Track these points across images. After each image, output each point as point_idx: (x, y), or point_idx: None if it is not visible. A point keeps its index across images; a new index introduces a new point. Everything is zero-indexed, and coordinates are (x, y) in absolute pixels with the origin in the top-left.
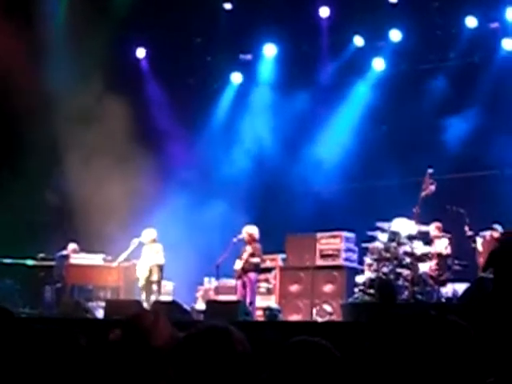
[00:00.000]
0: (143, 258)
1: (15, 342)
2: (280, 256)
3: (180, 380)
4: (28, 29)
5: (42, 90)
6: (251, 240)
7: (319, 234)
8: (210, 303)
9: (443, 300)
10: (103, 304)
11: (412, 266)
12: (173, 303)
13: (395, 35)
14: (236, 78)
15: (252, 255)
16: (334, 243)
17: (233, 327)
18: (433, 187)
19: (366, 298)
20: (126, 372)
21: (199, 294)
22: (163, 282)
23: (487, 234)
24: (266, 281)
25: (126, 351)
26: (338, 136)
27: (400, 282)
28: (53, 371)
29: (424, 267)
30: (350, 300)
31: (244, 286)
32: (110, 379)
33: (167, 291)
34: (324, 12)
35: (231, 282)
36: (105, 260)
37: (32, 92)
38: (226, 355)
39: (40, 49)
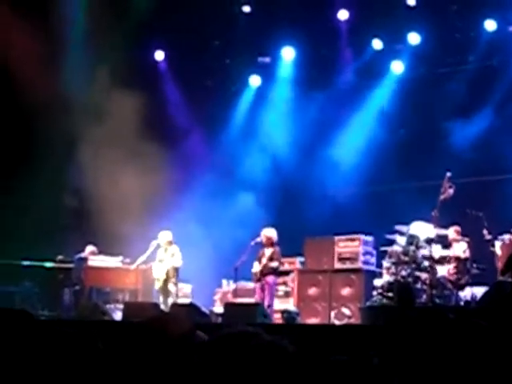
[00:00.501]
0: (160, 260)
1: (35, 345)
2: (298, 259)
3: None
4: (47, 29)
5: (59, 91)
6: (270, 243)
7: (337, 238)
8: (228, 306)
9: (462, 304)
10: (121, 306)
11: (430, 270)
12: (191, 306)
13: (414, 38)
14: (254, 80)
15: (271, 258)
16: (352, 246)
17: (262, 332)
18: (451, 191)
19: (385, 301)
20: (144, 374)
21: (217, 297)
22: (181, 285)
23: (506, 237)
24: (285, 284)
25: (144, 353)
26: (356, 139)
27: (418, 286)
28: (71, 374)
29: (442, 271)
30: (369, 303)
31: (262, 288)
32: (128, 382)
33: (185, 294)
34: (343, 15)
35: (249, 284)
36: (123, 262)
37: (49, 92)
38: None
39: (58, 49)
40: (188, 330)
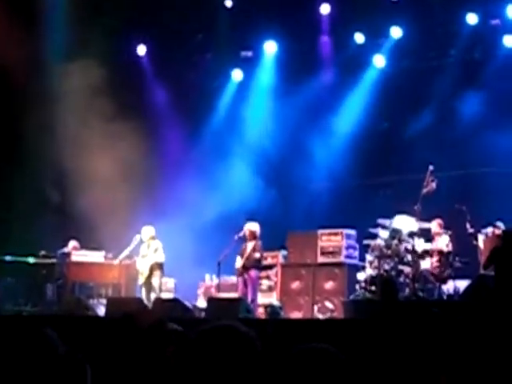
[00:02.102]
0: (143, 256)
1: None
2: (281, 253)
3: (191, 377)
4: (29, 27)
5: (41, 86)
6: (252, 237)
7: (320, 231)
8: (211, 300)
9: (444, 297)
10: (104, 301)
11: (413, 263)
12: (174, 300)
13: (396, 32)
14: (237, 74)
15: (253, 251)
16: (335, 240)
17: (241, 325)
18: (434, 184)
19: (368, 295)
20: (127, 366)
21: (200, 291)
22: (164, 279)
23: (489, 231)
24: (268, 278)
25: (126, 347)
26: (339, 133)
27: (401, 279)
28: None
29: (425, 264)
30: (352, 297)
31: (245, 283)
32: (113, 373)
33: (168, 288)
34: (325, 9)
35: (232, 279)
36: (106, 257)
37: (31, 88)
38: (240, 353)
39: (39, 42)
40: (156, 322)
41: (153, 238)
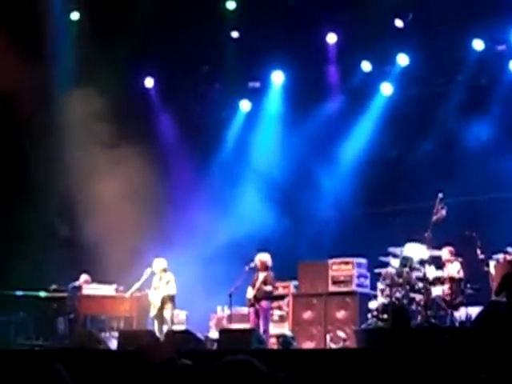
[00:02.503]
0: (155, 288)
1: None
2: (292, 283)
3: None
4: (37, 62)
5: (47, 116)
6: (263, 267)
7: (331, 261)
8: (223, 332)
9: (457, 324)
10: (116, 334)
11: (425, 291)
12: (186, 332)
13: (403, 60)
14: (245, 105)
15: (264, 283)
16: (346, 269)
17: (255, 360)
18: (444, 212)
19: (380, 323)
20: None
21: (212, 323)
22: (176, 311)
23: (500, 257)
24: (279, 308)
25: (138, 381)
26: (347, 161)
27: (413, 307)
28: None
29: (437, 291)
30: (364, 326)
31: (257, 313)
32: None
33: (180, 320)
34: (331, 38)
35: (244, 310)
36: (117, 290)
37: (38, 119)
38: None
39: (49, 79)
40: (168, 357)
41: (165, 270)
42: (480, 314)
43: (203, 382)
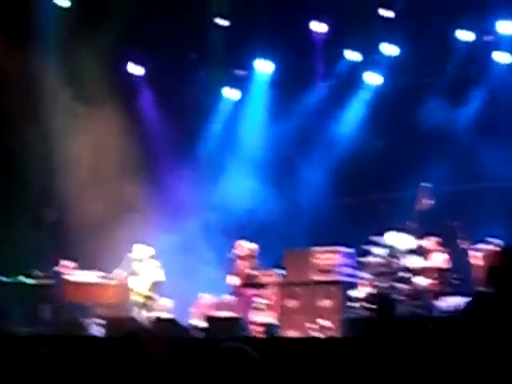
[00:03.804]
0: (142, 275)
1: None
2: (277, 271)
3: None
4: (22, 47)
5: (33, 102)
6: (248, 255)
7: (316, 249)
8: (210, 320)
9: (441, 314)
10: (101, 321)
11: (409, 281)
12: (172, 321)
13: (390, 49)
14: (231, 93)
15: (247, 270)
16: (331, 258)
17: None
18: (429, 201)
19: (365, 312)
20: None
21: (195, 310)
22: (162, 299)
23: (483, 247)
24: (264, 296)
25: (125, 367)
26: (334, 151)
27: (397, 297)
28: None
29: (421, 281)
30: (349, 315)
31: (240, 301)
32: None
33: (166, 308)
34: (319, 27)
35: (228, 298)
36: (102, 277)
37: (23, 104)
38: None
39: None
40: (164, 349)
41: (150, 257)
42: (465, 305)
43: (201, 368)
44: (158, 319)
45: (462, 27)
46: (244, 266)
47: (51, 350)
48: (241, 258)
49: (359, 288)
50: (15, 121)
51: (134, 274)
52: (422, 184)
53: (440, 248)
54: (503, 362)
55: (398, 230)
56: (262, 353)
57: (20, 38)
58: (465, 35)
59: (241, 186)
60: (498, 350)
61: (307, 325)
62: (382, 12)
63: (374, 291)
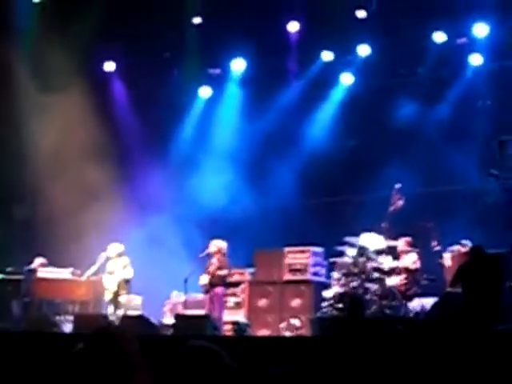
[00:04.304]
0: (110, 272)
1: None
2: (248, 270)
3: None
4: None
5: (6, 95)
6: (218, 253)
7: (287, 249)
8: (178, 317)
9: (411, 315)
10: (71, 318)
11: (380, 281)
12: (141, 317)
13: (364, 50)
14: (204, 92)
15: (219, 268)
16: (302, 258)
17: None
18: (401, 202)
19: (335, 312)
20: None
21: (167, 308)
22: (131, 296)
23: (455, 248)
24: (234, 295)
25: (92, 363)
26: (306, 151)
27: (368, 297)
28: None
29: (392, 282)
30: (319, 314)
31: (212, 300)
32: None
33: (135, 305)
34: (293, 27)
35: (199, 296)
36: (73, 274)
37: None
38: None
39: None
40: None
41: (120, 254)
42: (434, 306)
43: (168, 366)
44: (127, 316)
45: (435, 29)
46: (214, 265)
47: (19, 345)
48: (212, 256)
49: (331, 288)
50: None
51: (107, 272)
52: (397, 185)
53: (411, 249)
54: (470, 361)
55: (371, 230)
56: (230, 352)
57: None
58: (438, 37)
59: (213, 184)
60: (465, 349)
61: (277, 324)
62: (356, 12)
63: (344, 291)
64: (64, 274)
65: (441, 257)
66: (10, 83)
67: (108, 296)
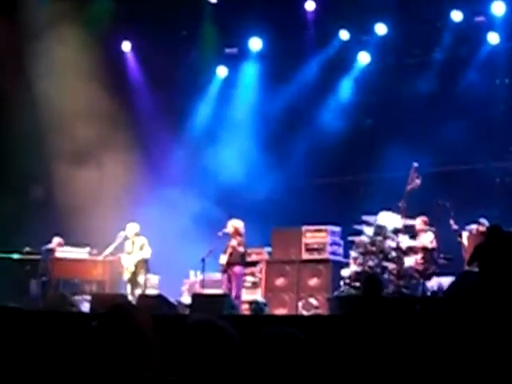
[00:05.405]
0: (128, 253)
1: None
2: (266, 249)
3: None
4: (12, 21)
5: (24, 84)
6: (236, 233)
7: (305, 228)
8: (195, 297)
9: (428, 294)
10: (89, 298)
11: (397, 260)
12: (159, 297)
13: (381, 29)
14: (221, 71)
15: (237, 248)
16: (319, 237)
17: (221, 321)
18: (418, 181)
19: (352, 291)
20: (110, 359)
21: (185, 288)
22: (149, 276)
23: (473, 227)
24: (252, 274)
25: (106, 341)
26: (322, 129)
27: (386, 276)
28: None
29: (409, 261)
30: (336, 294)
31: (229, 279)
32: (97, 366)
33: (153, 285)
34: (310, 6)
35: (217, 275)
36: (90, 254)
37: (16, 85)
38: (217, 348)
39: (24, 40)
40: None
41: (137, 234)
42: (452, 284)
43: (173, 344)
44: (144, 295)
45: (453, 7)
46: (232, 244)
47: (38, 326)
48: (231, 235)
49: (348, 267)
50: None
51: (125, 251)
52: (415, 164)
53: (430, 228)
54: (489, 340)
55: (390, 209)
56: (246, 331)
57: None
58: (456, 15)
59: (230, 162)
60: (483, 328)
61: (295, 303)
62: None
63: (362, 270)
64: (81, 253)
65: (459, 236)
66: (24, 66)
67: (126, 275)
